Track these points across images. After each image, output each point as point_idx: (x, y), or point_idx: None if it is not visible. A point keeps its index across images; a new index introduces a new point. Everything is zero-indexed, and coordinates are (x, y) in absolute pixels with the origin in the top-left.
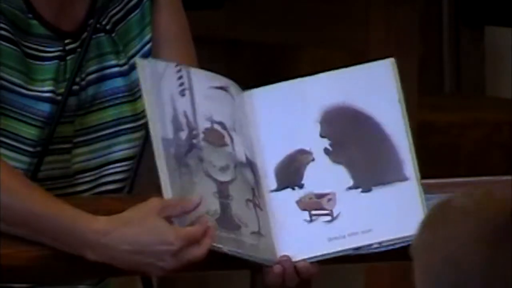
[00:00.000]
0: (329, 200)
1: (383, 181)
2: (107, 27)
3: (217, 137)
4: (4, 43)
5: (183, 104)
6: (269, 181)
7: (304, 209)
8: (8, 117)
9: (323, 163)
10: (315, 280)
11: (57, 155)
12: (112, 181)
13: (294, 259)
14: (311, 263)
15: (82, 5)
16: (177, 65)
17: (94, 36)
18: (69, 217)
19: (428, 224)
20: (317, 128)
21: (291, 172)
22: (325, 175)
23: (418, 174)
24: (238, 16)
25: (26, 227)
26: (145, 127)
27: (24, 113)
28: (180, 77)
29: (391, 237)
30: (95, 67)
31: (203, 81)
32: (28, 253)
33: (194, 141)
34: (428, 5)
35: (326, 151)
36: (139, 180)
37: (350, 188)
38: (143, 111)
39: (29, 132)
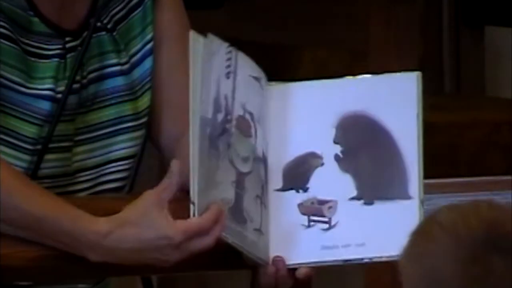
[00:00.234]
0: (330, 208)
1: (386, 196)
2: (109, 26)
3: (246, 126)
4: (3, 41)
5: (226, 86)
6: (276, 179)
7: (304, 214)
8: (8, 115)
9: (331, 170)
10: (315, 280)
11: (58, 153)
12: (112, 180)
13: (285, 262)
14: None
15: (83, 3)
16: (228, 46)
17: (95, 35)
18: (70, 219)
19: (413, 237)
20: (332, 133)
21: (298, 174)
22: (330, 181)
23: (422, 194)
24: (238, 16)
25: (26, 229)
26: (145, 126)
27: (24, 111)
28: (229, 59)
29: (382, 255)
30: (96, 66)
31: (246, 67)
32: (28, 253)
33: (227, 125)
34: (428, 5)
35: (336, 157)
36: (140, 179)
37: (352, 198)
38: (144, 109)
39: (29, 130)
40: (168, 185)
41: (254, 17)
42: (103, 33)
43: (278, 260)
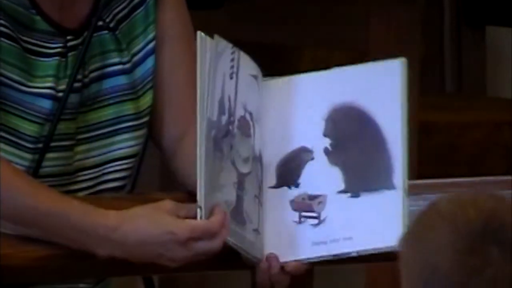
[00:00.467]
0: (320, 203)
1: (371, 188)
2: (111, 25)
3: (246, 126)
4: (3, 39)
5: (229, 87)
6: (270, 176)
7: (295, 210)
8: (9, 114)
9: (321, 164)
10: (315, 280)
11: (59, 152)
12: (113, 179)
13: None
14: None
15: (85, 2)
16: (232, 47)
17: (97, 34)
18: (78, 213)
19: (413, 227)
20: (322, 126)
21: (290, 170)
22: (320, 176)
23: (406, 183)
24: (238, 16)
25: (32, 227)
26: (147, 125)
27: (24, 109)
28: (232, 60)
29: (369, 248)
30: (98, 65)
31: (247, 67)
32: (28, 253)
33: (230, 127)
34: (430, 5)
35: (325, 151)
36: (141, 179)
37: (340, 192)
38: (146, 109)
39: (30, 128)
40: (189, 207)
41: (254, 17)
42: (105, 32)
43: (271, 257)
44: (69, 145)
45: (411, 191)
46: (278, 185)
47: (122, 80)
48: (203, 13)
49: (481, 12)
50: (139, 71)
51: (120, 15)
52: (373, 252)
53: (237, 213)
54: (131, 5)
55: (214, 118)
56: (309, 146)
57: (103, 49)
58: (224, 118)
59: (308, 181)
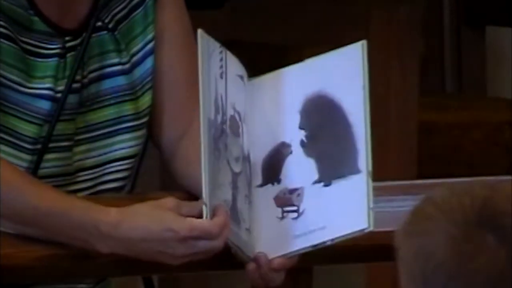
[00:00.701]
0: (298, 195)
1: (341, 175)
2: (110, 25)
3: (236, 126)
4: (3, 40)
5: (221, 86)
6: (257, 176)
7: (278, 206)
8: (8, 114)
9: (298, 156)
10: (315, 280)
11: (58, 152)
12: (113, 180)
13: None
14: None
15: (84, 3)
16: (220, 46)
17: (96, 34)
18: (80, 211)
19: (409, 216)
20: (298, 119)
21: (272, 167)
22: (298, 168)
23: (370, 166)
24: (238, 16)
25: (35, 226)
26: (146, 125)
27: (23, 110)
28: (221, 59)
29: (340, 234)
30: (96, 65)
31: (233, 66)
32: (28, 253)
33: (224, 126)
34: (429, 5)
35: (301, 143)
36: (140, 179)
37: (315, 182)
38: (145, 109)
39: (29, 129)
40: (192, 205)
41: (254, 17)
42: (104, 32)
43: (259, 256)
44: (68, 146)
45: (411, 191)
46: (263, 184)
47: (121, 80)
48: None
49: (481, 12)
50: (138, 72)
51: (119, 15)
52: (345, 238)
53: (233, 212)
54: (130, 6)
55: (212, 117)
56: (287, 140)
57: (102, 50)
58: (219, 117)
59: (288, 176)
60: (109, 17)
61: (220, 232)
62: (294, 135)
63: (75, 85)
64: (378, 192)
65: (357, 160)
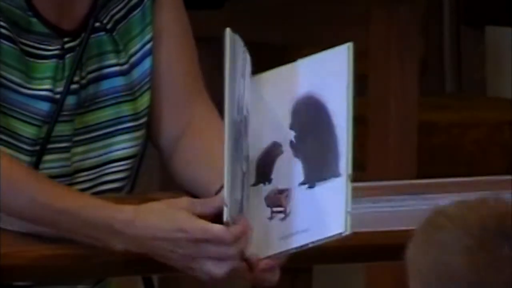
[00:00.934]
0: (286, 196)
1: (323, 177)
2: (108, 26)
3: (246, 126)
4: (3, 41)
5: (242, 86)
6: (251, 175)
7: (268, 206)
8: (7, 116)
9: (288, 157)
10: (315, 280)
11: (56, 154)
12: (112, 180)
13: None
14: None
15: (83, 4)
16: (244, 45)
17: (94, 35)
18: (94, 209)
19: (421, 229)
20: (289, 119)
21: (265, 166)
22: (287, 169)
23: (350, 169)
24: (238, 16)
25: (49, 224)
26: (145, 126)
27: (22, 111)
28: (244, 59)
29: (321, 237)
30: (95, 66)
31: (250, 66)
32: (28, 253)
33: (241, 127)
34: (429, 4)
35: (291, 144)
36: (140, 180)
37: (300, 184)
38: (144, 110)
39: (28, 131)
40: (206, 202)
41: (254, 17)
42: (103, 33)
43: (250, 257)
44: (67, 147)
45: (411, 191)
46: (256, 183)
47: (119, 81)
48: (203, 13)
49: (480, 12)
50: (137, 72)
51: (117, 16)
52: (325, 241)
53: (240, 212)
54: (128, 6)
55: (235, 118)
56: (279, 140)
57: (101, 51)
58: (239, 117)
59: (278, 176)
60: (107, 17)
61: (234, 241)
62: (285, 135)
63: (73, 86)
64: (378, 192)
65: (338, 162)
